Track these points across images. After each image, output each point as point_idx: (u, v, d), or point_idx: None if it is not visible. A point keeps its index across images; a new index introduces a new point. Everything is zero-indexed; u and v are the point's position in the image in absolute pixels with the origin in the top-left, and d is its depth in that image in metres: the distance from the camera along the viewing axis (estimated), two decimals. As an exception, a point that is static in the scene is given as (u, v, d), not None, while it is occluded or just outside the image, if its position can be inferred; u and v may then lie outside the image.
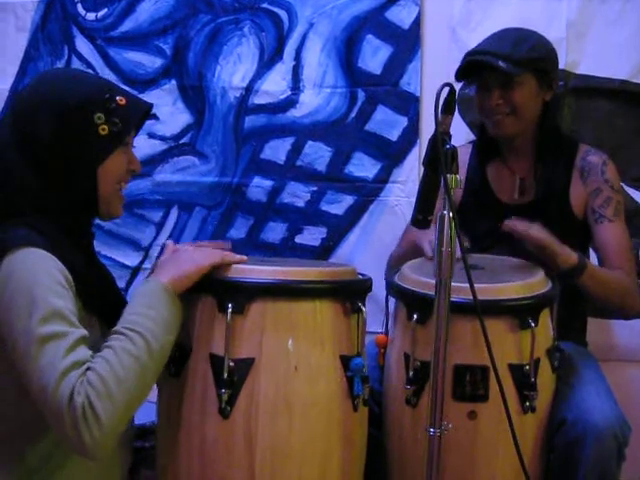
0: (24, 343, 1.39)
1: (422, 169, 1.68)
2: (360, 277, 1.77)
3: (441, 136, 1.54)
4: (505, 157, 2.30)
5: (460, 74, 2.18)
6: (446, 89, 1.54)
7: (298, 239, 2.87)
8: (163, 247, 1.78)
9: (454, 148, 1.53)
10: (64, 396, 1.35)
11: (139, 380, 1.44)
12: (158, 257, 2.82)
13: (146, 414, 1.82)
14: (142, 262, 2.95)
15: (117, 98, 1.58)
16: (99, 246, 1.74)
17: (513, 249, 2.05)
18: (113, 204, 1.64)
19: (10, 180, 1.55)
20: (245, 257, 1.67)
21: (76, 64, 2.94)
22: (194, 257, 1.60)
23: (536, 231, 1.96)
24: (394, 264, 2.23)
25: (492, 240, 2.09)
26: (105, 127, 1.55)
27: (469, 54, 2.19)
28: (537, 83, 2.17)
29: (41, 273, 1.43)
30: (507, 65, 2.09)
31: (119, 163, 1.61)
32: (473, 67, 2.16)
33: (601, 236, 2.17)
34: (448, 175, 1.50)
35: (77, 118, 1.54)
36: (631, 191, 2.61)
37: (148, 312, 1.49)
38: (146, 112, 1.69)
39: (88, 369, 1.39)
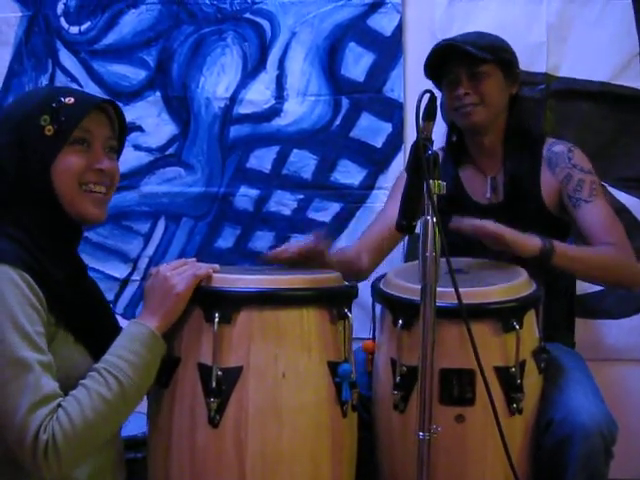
0: None
1: (406, 176, 1.70)
2: (346, 284, 1.78)
3: (423, 142, 1.55)
4: (475, 158, 2.32)
5: (429, 67, 2.23)
6: (427, 96, 1.56)
7: (286, 247, 2.87)
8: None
9: (436, 154, 1.54)
10: (31, 430, 1.37)
11: (108, 423, 1.48)
12: (146, 272, 2.85)
13: (137, 425, 1.83)
14: (131, 274, 2.95)
15: (65, 99, 1.56)
16: (87, 259, 1.73)
17: (493, 251, 2.05)
18: (79, 205, 1.59)
19: None
20: (216, 265, 1.68)
21: (60, 78, 2.94)
22: (175, 287, 1.58)
23: (486, 225, 1.94)
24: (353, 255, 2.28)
25: (471, 242, 2.09)
26: (50, 127, 1.54)
27: (436, 45, 2.23)
28: (503, 75, 2.22)
29: (10, 293, 1.42)
30: (474, 49, 2.14)
31: (73, 161, 1.56)
32: (439, 63, 2.21)
33: (582, 219, 2.15)
34: (431, 180, 1.51)
35: (26, 124, 1.55)
36: (614, 191, 2.63)
37: (132, 358, 1.51)
38: (107, 107, 1.64)
39: (59, 406, 1.41)
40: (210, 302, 1.60)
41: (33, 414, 1.38)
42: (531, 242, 1.97)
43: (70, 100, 1.56)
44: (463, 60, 2.18)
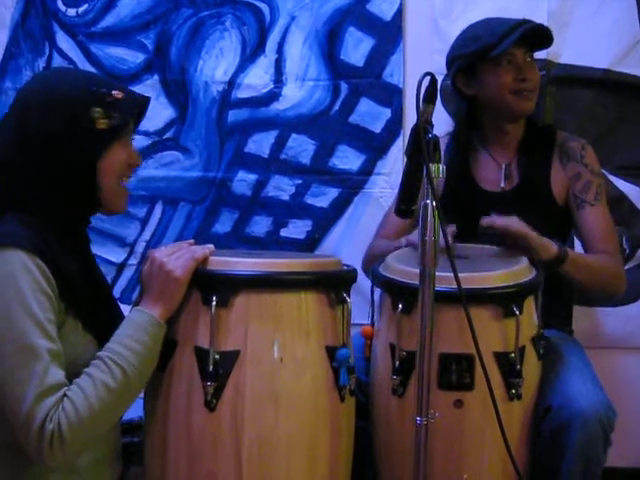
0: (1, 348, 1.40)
1: (406, 160, 1.68)
2: (345, 268, 1.77)
3: (423, 125, 1.54)
4: (488, 146, 2.31)
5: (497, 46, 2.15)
6: (427, 79, 1.54)
7: (283, 232, 2.87)
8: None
9: (436, 137, 1.52)
10: (37, 420, 1.38)
11: (112, 411, 1.50)
12: (143, 256, 2.84)
13: (134, 409, 1.81)
14: (127, 258, 2.93)
15: (114, 92, 1.56)
16: (84, 243, 1.72)
17: (498, 237, 2.05)
18: (116, 200, 1.63)
19: (13, 178, 1.55)
20: (211, 245, 1.67)
21: (57, 61, 2.92)
22: (173, 273, 1.57)
23: (516, 224, 1.96)
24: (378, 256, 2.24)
25: (477, 229, 2.09)
26: (103, 121, 1.54)
27: (518, 23, 2.16)
28: None
29: (23, 279, 1.42)
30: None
31: (119, 157, 1.59)
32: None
33: (583, 221, 2.18)
34: (431, 164, 1.50)
35: (73, 113, 1.53)
36: (614, 179, 2.62)
37: (135, 346, 1.51)
38: (144, 105, 1.68)
39: (65, 396, 1.41)
40: (207, 285, 1.59)
41: (40, 403, 1.38)
42: (551, 246, 1.99)
43: (119, 94, 1.57)
44: (524, 44, 2.17)
